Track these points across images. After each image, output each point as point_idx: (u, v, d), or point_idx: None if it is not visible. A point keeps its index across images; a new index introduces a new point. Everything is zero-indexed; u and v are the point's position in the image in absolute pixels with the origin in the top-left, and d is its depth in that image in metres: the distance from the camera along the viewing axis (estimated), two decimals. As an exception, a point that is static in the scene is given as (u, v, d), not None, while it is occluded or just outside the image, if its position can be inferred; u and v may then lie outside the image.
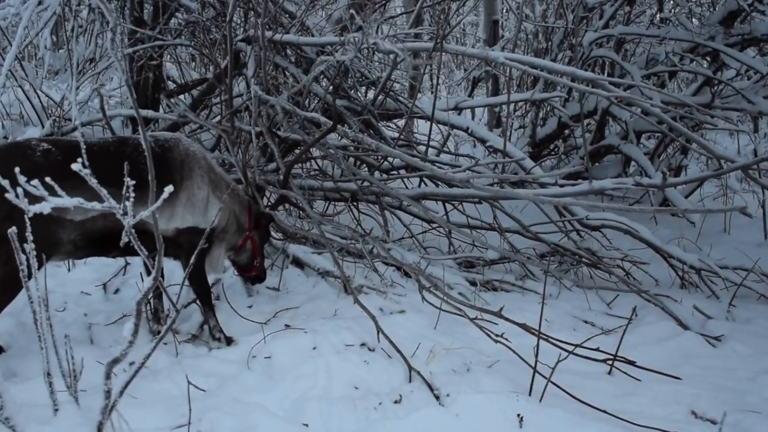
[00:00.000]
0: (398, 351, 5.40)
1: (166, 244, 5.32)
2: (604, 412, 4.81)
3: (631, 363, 5.37)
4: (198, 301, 6.16)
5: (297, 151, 8.41)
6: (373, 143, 7.15)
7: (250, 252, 6.70)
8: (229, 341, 5.94)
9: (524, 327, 5.53)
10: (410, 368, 5.29)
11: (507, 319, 5.55)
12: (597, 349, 5.58)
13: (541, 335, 5.33)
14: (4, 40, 10.67)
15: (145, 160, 5.24)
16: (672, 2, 15.19)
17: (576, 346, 5.46)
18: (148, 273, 6.05)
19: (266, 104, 7.93)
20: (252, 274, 6.86)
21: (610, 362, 5.64)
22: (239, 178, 7.51)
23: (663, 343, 6.64)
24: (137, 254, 6.01)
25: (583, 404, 4.94)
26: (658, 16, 13.25)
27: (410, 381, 5.27)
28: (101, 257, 5.99)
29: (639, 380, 5.61)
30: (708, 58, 11.88)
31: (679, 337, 6.79)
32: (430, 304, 6.25)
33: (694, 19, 13.84)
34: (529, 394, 4.96)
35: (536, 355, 5.12)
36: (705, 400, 5.27)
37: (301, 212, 8.73)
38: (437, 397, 5.02)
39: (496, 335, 5.57)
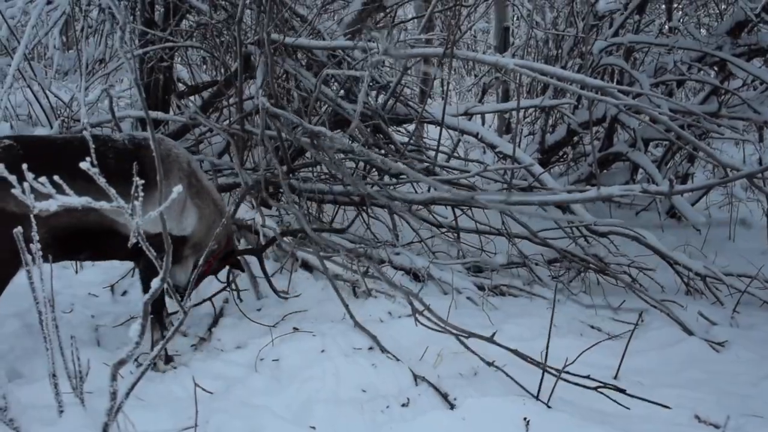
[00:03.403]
0: (396, 359, 5.40)
1: (131, 247, 5.14)
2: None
3: (621, 391, 5.30)
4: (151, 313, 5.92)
5: (306, 155, 8.41)
6: (379, 158, 7.14)
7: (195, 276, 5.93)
8: (168, 360, 5.61)
9: (517, 353, 5.41)
10: (415, 377, 5.31)
11: (500, 345, 5.45)
12: (586, 379, 5.47)
13: (540, 364, 5.28)
14: (12, 39, 10.66)
15: (114, 155, 5.13)
16: (681, 12, 15.20)
17: (562, 371, 5.38)
18: (142, 278, 5.76)
19: (274, 117, 7.90)
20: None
21: (600, 389, 5.49)
22: (235, 182, 7.46)
23: (668, 348, 6.65)
24: (108, 257, 5.88)
25: (588, 408, 4.94)
26: (667, 25, 13.28)
27: (416, 384, 5.29)
28: (75, 259, 5.89)
29: (643, 384, 5.63)
30: (715, 68, 11.90)
31: (684, 342, 6.80)
32: (425, 326, 6.08)
33: (702, 29, 13.91)
34: (537, 398, 4.96)
35: (545, 361, 5.11)
36: (708, 404, 5.28)
37: (309, 216, 8.73)
38: (445, 400, 5.04)
39: (489, 362, 5.51)
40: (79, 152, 5.04)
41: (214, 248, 5.91)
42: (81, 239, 5.14)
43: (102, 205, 3.23)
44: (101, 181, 3.14)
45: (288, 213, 8.30)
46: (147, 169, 4.95)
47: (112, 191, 3.21)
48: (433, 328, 5.67)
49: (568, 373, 5.03)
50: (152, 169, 4.97)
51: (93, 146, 3.61)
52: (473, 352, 5.47)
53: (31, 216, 3.54)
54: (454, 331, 5.58)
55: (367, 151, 7.44)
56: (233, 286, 7.00)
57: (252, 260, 7.21)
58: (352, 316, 5.96)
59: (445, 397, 5.07)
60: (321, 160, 7.88)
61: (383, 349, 5.65)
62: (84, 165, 3.03)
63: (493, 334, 5.46)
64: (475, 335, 5.50)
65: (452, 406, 4.95)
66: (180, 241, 5.64)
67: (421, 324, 5.73)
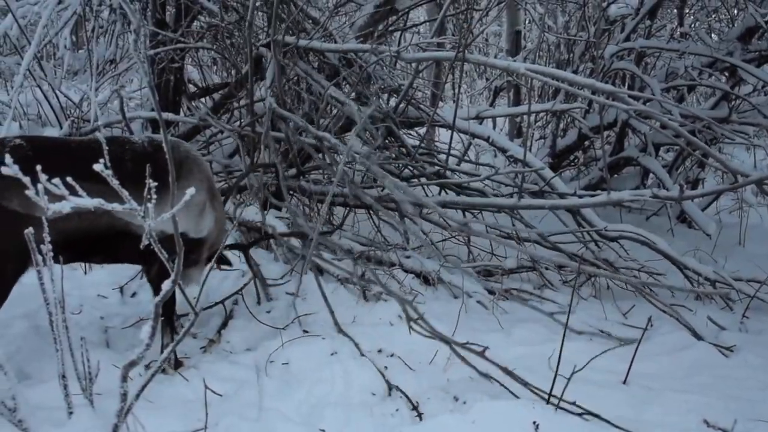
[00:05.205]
0: (375, 365, 5.37)
1: (143, 248, 5.07)
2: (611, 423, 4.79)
3: (596, 415, 5.24)
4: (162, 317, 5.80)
5: (313, 161, 8.41)
6: (379, 173, 7.08)
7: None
8: (177, 365, 5.59)
9: (506, 371, 5.35)
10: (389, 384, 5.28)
11: (490, 361, 5.40)
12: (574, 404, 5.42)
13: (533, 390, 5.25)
14: (23, 38, 10.66)
15: (131, 157, 5.08)
16: (692, 17, 15.19)
17: (555, 397, 5.33)
18: (153, 280, 5.73)
19: (281, 119, 7.87)
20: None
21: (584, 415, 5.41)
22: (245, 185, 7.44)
23: (677, 353, 6.63)
24: (120, 260, 5.75)
25: (598, 412, 4.92)
26: (678, 30, 13.25)
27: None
28: (87, 261, 5.86)
29: (651, 388, 5.62)
30: (726, 73, 11.87)
31: (693, 347, 6.77)
32: (417, 332, 5.98)
33: (713, 35, 13.88)
34: (547, 402, 4.95)
35: (557, 366, 5.09)
36: (717, 409, 5.26)
37: (317, 216, 8.71)
38: (456, 401, 5.05)
39: (482, 373, 5.46)
40: (92, 155, 5.02)
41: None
42: (93, 243, 5.13)
43: (115, 206, 3.22)
44: (114, 182, 3.13)
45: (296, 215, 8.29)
46: (168, 172, 4.54)
47: (125, 193, 3.20)
48: (425, 335, 5.65)
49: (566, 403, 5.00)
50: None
51: (107, 149, 3.59)
52: (468, 363, 5.42)
53: (43, 218, 3.53)
54: (446, 340, 5.53)
55: (368, 158, 7.34)
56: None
57: (261, 262, 7.22)
58: (335, 321, 5.93)
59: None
60: (323, 165, 7.87)
61: (362, 353, 5.61)
62: (98, 167, 3.02)
63: (485, 349, 5.41)
64: (468, 349, 5.45)
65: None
66: (198, 243, 5.65)
67: (415, 332, 5.68)
